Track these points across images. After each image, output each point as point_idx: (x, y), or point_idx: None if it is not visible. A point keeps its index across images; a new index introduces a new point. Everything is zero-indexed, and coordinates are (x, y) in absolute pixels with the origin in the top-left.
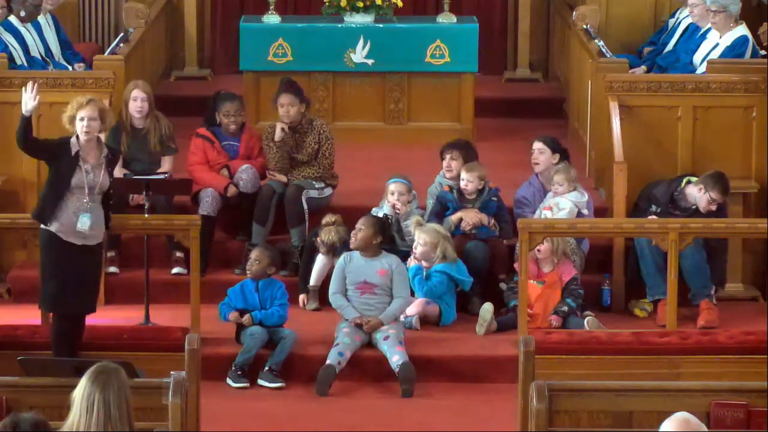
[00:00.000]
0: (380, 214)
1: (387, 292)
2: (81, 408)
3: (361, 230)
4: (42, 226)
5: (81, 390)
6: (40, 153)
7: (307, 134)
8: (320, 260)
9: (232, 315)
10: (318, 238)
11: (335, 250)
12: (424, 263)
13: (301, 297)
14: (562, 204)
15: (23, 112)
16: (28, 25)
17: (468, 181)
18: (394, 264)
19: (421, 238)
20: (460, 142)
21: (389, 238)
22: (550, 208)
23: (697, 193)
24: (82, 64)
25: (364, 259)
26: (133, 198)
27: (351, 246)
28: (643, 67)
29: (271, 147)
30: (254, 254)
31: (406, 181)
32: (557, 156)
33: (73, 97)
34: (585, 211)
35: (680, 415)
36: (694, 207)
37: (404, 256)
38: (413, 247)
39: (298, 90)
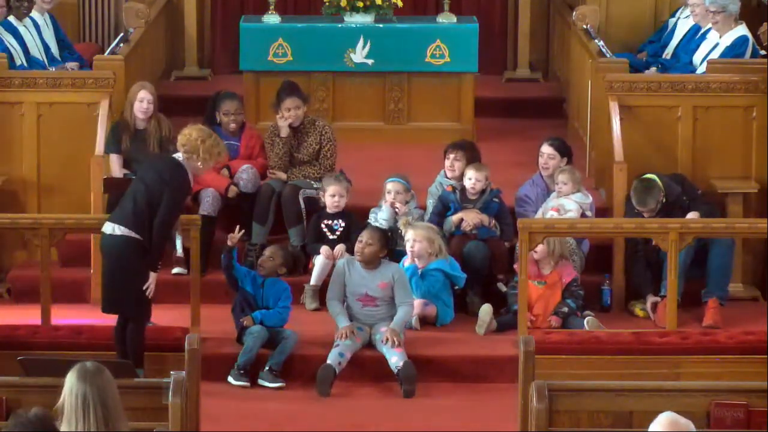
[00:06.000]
0: (378, 216)
1: (389, 302)
2: (76, 410)
3: (369, 245)
4: (133, 234)
5: (71, 392)
6: None
7: (308, 134)
8: (320, 261)
9: (246, 320)
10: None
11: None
12: (418, 262)
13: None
14: (568, 206)
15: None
16: (29, 24)
17: (476, 180)
18: (395, 274)
19: (416, 234)
20: (465, 143)
21: (391, 248)
22: (558, 210)
23: None
24: (75, 64)
25: (365, 271)
26: None
27: (356, 258)
28: (653, 69)
29: (277, 143)
30: (269, 251)
31: (404, 181)
32: (565, 159)
33: (73, 97)
34: (588, 213)
35: (668, 415)
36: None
37: (400, 256)
38: (409, 247)
39: (299, 91)
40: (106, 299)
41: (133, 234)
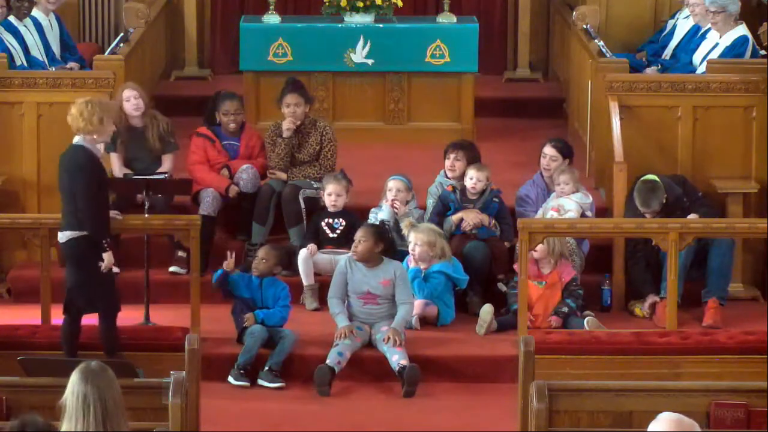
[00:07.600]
0: (378, 216)
1: (390, 300)
2: (76, 409)
3: (361, 242)
4: (79, 233)
5: (72, 391)
6: None
7: (309, 134)
8: (301, 258)
9: (248, 318)
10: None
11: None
12: (421, 264)
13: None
14: (568, 206)
15: None
16: (30, 24)
17: (477, 180)
18: (397, 271)
19: (417, 238)
20: (465, 142)
21: (389, 242)
22: (558, 210)
23: None
24: (75, 64)
25: (366, 269)
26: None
27: (354, 258)
28: (654, 68)
29: (279, 143)
30: (261, 253)
31: (406, 180)
32: (567, 160)
33: (73, 97)
34: (588, 213)
35: (672, 415)
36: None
37: (403, 255)
38: (410, 249)
39: (303, 90)
40: (84, 300)
41: (79, 233)
